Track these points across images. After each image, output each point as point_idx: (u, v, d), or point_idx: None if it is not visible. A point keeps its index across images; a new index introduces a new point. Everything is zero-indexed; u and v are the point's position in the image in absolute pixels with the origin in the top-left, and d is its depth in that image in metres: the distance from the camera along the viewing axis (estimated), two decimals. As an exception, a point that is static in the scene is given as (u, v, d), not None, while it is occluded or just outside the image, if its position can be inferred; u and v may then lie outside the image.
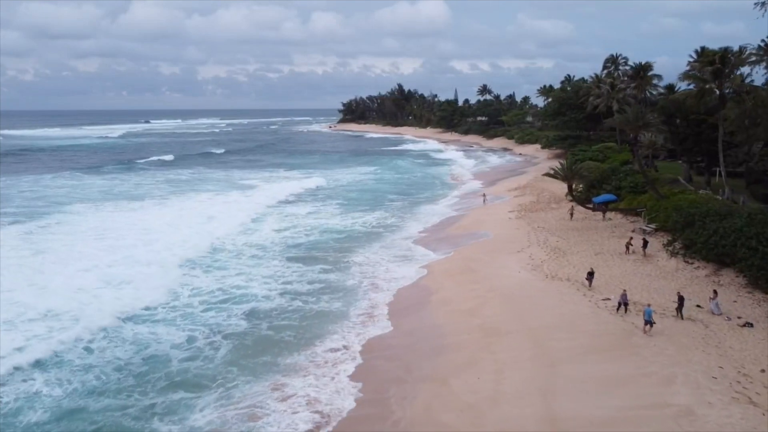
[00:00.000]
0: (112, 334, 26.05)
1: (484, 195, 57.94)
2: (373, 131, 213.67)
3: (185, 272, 35.17)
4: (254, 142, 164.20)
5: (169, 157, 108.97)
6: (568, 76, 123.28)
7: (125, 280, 33.04)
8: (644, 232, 38.63)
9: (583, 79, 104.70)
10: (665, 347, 21.79)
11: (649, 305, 24.26)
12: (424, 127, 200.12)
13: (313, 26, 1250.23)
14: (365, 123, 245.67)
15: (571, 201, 50.72)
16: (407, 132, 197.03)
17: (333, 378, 22.14)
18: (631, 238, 35.63)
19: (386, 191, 69.22)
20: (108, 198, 62.61)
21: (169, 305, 29.83)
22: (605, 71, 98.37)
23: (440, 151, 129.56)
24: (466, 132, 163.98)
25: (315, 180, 77.36)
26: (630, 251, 34.71)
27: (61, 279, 32.96)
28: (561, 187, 55.00)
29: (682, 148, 46.32)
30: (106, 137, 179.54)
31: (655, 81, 68.94)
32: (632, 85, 70.39)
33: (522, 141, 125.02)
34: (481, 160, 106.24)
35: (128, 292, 31.05)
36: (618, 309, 25.33)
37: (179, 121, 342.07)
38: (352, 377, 22.33)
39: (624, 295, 25.63)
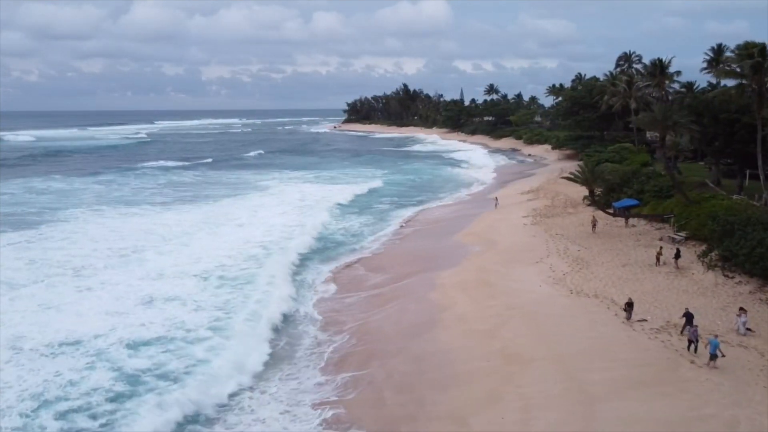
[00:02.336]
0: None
1: (496, 199, 54.93)
2: (380, 131, 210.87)
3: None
4: (283, 143, 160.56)
5: (209, 159, 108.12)
6: (579, 74, 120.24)
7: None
8: (673, 240, 35.57)
9: (595, 78, 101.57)
10: (719, 382, 18.78)
11: (715, 336, 20.78)
12: (430, 127, 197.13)
13: (315, 26, 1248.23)
14: (370, 123, 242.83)
15: (589, 205, 47.69)
16: (416, 132, 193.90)
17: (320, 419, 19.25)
18: (661, 247, 32.56)
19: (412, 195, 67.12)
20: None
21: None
22: (618, 69, 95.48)
23: (457, 150, 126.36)
24: (472, 132, 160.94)
25: (373, 182, 74.65)
26: (660, 262, 31.66)
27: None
28: (576, 191, 52.01)
29: (711, 149, 43.23)
30: (134, 137, 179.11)
31: (676, 78, 65.66)
32: (649, 83, 67.19)
33: (531, 141, 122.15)
34: (491, 161, 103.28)
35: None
36: (689, 348, 20.87)
37: (195, 121, 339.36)
38: (354, 411, 19.47)
39: (695, 331, 21.05)
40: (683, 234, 35.61)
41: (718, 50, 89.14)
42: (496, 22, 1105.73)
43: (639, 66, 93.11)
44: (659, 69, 63.14)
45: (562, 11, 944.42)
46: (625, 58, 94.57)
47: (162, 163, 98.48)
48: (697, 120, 39.02)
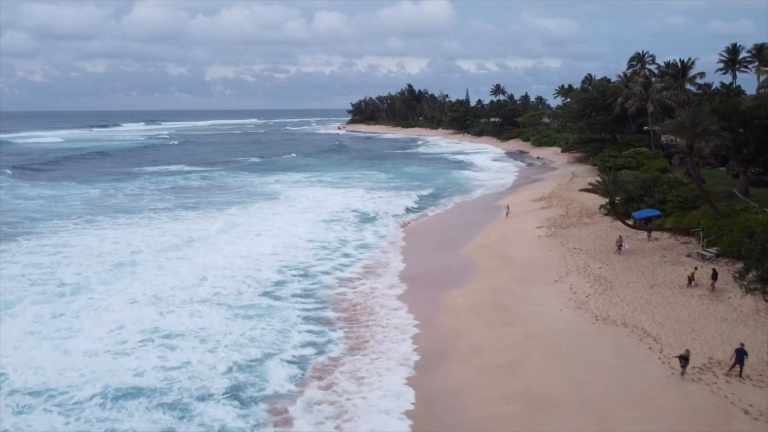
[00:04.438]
0: None
1: (507, 207, 52.23)
2: (385, 132, 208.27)
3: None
4: (310, 145, 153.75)
5: (256, 159, 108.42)
6: (590, 75, 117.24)
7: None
8: (703, 257, 32.89)
9: (606, 79, 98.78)
10: (782, 440, 16.18)
11: None
12: (435, 128, 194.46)
13: (317, 26, 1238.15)
14: (375, 124, 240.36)
15: (606, 215, 45.06)
16: (421, 133, 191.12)
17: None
18: (696, 268, 29.86)
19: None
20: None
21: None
22: (630, 69, 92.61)
23: (464, 153, 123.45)
24: (479, 133, 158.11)
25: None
26: (692, 283, 29.00)
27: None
28: (591, 198, 49.36)
29: (741, 157, 40.55)
30: (158, 137, 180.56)
31: (698, 80, 62.72)
32: (668, 85, 64.23)
33: (539, 143, 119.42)
34: (499, 164, 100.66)
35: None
36: None
37: (209, 122, 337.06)
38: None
39: None
40: (714, 251, 32.92)
41: (734, 50, 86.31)
42: (498, 21, 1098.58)
43: (652, 67, 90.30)
44: (681, 71, 60.04)
45: (564, 10, 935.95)
46: (638, 59, 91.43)
47: (208, 167, 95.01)
48: (727, 126, 36.34)
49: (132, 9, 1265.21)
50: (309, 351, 24.56)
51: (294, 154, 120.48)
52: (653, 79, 71.33)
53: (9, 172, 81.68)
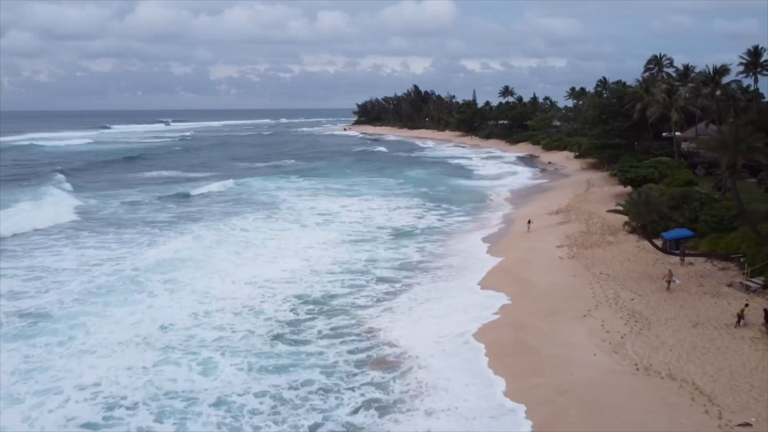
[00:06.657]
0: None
1: (529, 222, 48.98)
2: (391, 133, 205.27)
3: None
4: (336, 147, 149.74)
5: (302, 164, 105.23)
6: (603, 78, 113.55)
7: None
8: (747, 288, 29.65)
9: (621, 82, 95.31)
10: None
11: None
12: (442, 130, 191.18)
13: (320, 25, 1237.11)
14: (381, 125, 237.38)
15: (630, 232, 41.86)
16: (428, 134, 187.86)
17: None
18: (746, 304, 26.62)
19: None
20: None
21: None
22: (647, 73, 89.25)
23: (472, 156, 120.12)
24: (487, 136, 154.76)
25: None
26: (741, 322, 25.79)
27: None
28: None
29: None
30: (184, 138, 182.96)
31: (732, 87, 58.90)
32: (686, 89, 60.75)
33: (549, 147, 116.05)
34: (511, 168, 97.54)
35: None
36: None
37: (224, 122, 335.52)
38: None
39: None
40: (760, 281, 29.65)
41: (755, 53, 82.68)
42: (501, 20, 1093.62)
43: (670, 70, 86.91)
44: (713, 78, 56.23)
45: (567, 9, 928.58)
46: (655, 62, 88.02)
47: (251, 172, 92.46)
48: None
49: (134, 9, 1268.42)
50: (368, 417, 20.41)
51: (325, 161, 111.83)
52: (683, 87, 67.42)
53: (63, 177, 79.25)
